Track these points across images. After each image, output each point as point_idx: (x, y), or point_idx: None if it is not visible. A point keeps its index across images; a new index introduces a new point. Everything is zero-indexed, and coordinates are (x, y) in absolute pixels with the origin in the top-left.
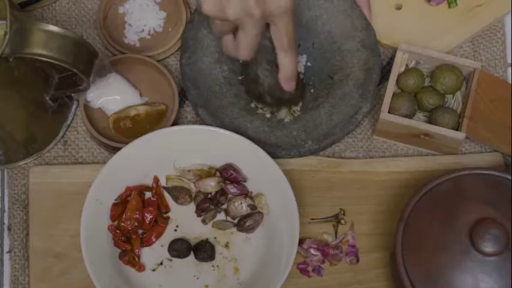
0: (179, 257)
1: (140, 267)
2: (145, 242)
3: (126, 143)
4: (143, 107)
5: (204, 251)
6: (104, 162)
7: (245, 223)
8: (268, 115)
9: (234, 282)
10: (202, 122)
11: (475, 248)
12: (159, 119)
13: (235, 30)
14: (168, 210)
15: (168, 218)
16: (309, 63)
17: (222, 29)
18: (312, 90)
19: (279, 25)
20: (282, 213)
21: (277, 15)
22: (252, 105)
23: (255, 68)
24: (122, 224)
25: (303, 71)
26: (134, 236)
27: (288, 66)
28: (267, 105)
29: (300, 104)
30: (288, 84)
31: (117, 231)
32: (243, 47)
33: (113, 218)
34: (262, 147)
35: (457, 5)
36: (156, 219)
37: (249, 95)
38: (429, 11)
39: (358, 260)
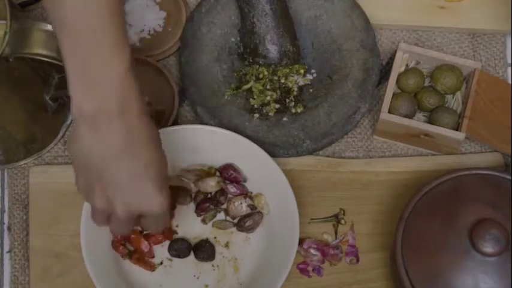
0: (179, 256)
1: (151, 267)
2: (154, 241)
3: None
4: None
5: (204, 250)
6: None
7: (245, 223)
8: (271, 114)
9: (234, 282)
10: (201, 120)
11: (475, 248)
12: (159, 119)
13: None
14: (174, 207)
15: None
16: (314, 74)
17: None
18: (311, 90)
19: (150, 221)
20: (282, 213)
21: (148, 216)
22: (252, 104)
23: (251, 17)
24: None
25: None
26: (134, 236)
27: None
28: (265, 62)
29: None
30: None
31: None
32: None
33: None
34: (260, 146)
35: None
36: None
37: (247, 55)
38: None
39: (358, 260)
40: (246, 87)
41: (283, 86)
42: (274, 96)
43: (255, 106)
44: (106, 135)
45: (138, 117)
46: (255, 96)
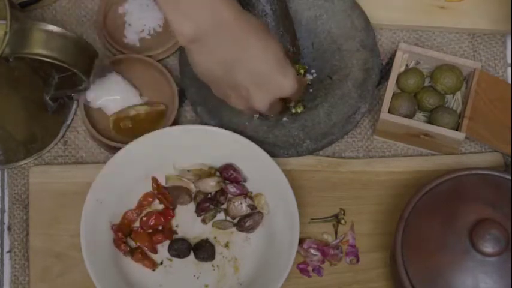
0: (179, 256)
1: (153, 264)
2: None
3: (126, 143)
4: (143, 107)
5: (204, 250)
6: (104, 162)
7: (245, 223)
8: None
9: (234, 282)
10: (201, 120)
11: (475, 248)
12: (159, 119)
13: None
14: (174, 206)
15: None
16: (314, 74)
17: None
18: (311, 90)
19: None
20: (282, 213)
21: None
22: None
23: (261, 5)
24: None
25: (309, 82)
26: (134, 235)
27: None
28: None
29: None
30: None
31: (119, 233)
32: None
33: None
34: (260, 146)
35: None
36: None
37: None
38: None
39: (358, 260)
40: None
41: None
42: None
43: None
44: (215, 46)
45: (235, 21)
46: None
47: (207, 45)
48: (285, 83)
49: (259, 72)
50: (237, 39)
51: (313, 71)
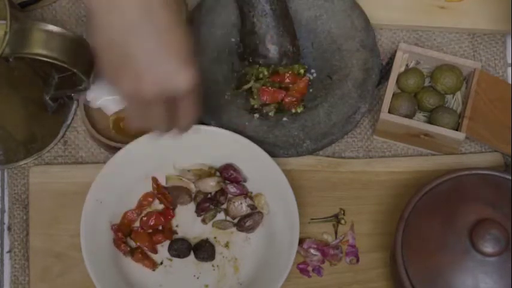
0: (179, 256)
1: (154, 264)
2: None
3: (126, 143)
4: None
5: (204, 250)
6: (104, 162)
7: (245, 223)
8: (271, 113)
9: (234, 282)
10: (201, 121)
11: (475, 248)
12: None
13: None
14: (174, 206)
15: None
16: (314, 74)
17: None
18: (311, 90)
19: (182, 104)
20: (282, 213)
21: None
22: (252, 104)
23: (251, 17)
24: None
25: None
26: (134, 235)
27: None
28: (265, 62)
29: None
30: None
31: (119, 233)
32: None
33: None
34: (260, 146)
35: None
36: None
37: (247, 55)
38: None
39: (358, 260)
40: (246, 87)
41: (283, 86)
42: None
43: (255, 106)
44: (122, 11)
45: (161, 9)
46: (255, 96)
47: (116, 4)
48: (180, 78)
49: (161, 52)
50: (154, 15)
51: (313, 70)
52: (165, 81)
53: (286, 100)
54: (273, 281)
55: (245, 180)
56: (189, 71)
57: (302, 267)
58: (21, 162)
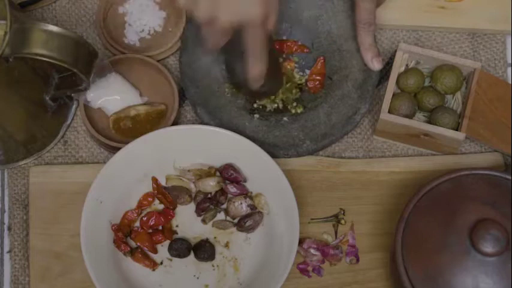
0: (179, 256)
1: (154, 264)
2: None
3: (126, 143)
4: (143, 107)
5: (204, 250)
6: (104, 162)
7: (245, 223)
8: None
9: (234, 282)
10: (201, 121)
11: (475, 248)
12: (159, 119)
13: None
14: (174, 206)
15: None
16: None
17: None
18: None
19: (250, 32)
20: (282, 213)
21: (247, 24)
22: (253, 104)
23: (232, 62)
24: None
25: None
26: (134, 235)
27: (253, 72)
28: (247, 96)
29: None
30: (254, 84)
31: (119, 233)
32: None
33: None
34: (260, 146)
35: None
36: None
37: (232, 84)
38: None
39: (358, 260)
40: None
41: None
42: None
43: (255, 106)
44: None
45: None
46: None
47: None
48: (255, 10)
49: None
50: None
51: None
52: (239, 12)
53: (310, 86)
54: (273, 281)
55: (245, 180)
56: (263, 6)
57: (302, 267)
58: (21, 162)
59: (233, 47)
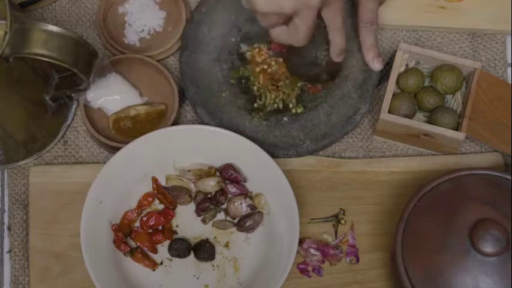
0: (179, 256)
1: (154, 264)
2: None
3: (126, 143)
4: (143, 107)
5: (204, 250)
6: (104, 162)
7: (245, 223)
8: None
9: (234, 282)
10: (201, 121)
11: (475, 248)
12: (159, 119)
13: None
14: (174, 206)
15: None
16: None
17: (274, 21)
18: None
19: (333, 7)
20: (282, 213)
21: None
22: (253, 104)
23: (313, 52)
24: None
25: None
26: (134, 235)
27: (340, 44)
28: (318, 83)
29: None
30: (339, 58)
31: (119, 233)
32: (302, 34)
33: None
34: (260, 146)
35: None
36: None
37: (300, 78)
38: None
39: (358, 260)
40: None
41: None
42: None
43: (255, 106)
44: None
45: None
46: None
47: None
48: None
49: None
50: None
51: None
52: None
53: (310, 86)
54: (273, 281)
55: (245, 180)
56: None
57: (302, 267)
58: (21, 162)
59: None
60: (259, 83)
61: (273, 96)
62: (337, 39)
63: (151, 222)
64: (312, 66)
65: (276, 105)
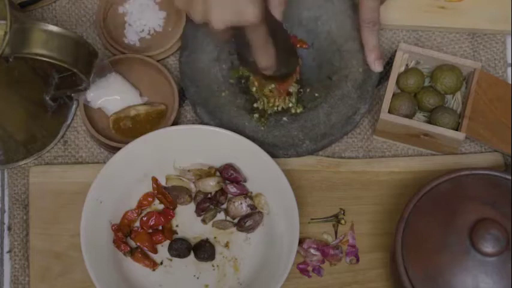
0: (179, 256)
1: (154, 264)
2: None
3: (126, 143)
4: (143, 107)
5: (204, 250)
6: (104, 162)
7: (245, 223)
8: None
9: (234, 282)
10: (201, 121)
11: (475, 248)
12: (159, 119)
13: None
14: (174, 206)
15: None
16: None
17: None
18: (308, 90)
19: (250, 30)
20: (282, 213)
21: (246, 23)
22: (253, 104)
23: (243, 51)
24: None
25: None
26: (134, 235)
27: (263, 65)
28: (282, 78)
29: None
30: (267, 73)
31: (119, 233)
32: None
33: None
34: (260, 146)
35: None
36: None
37: (246, 65)
38: None
39: (358, 260)
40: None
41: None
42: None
43: (255, 106)
44: None
45: None
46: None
47: None
48: (249, 10)
49: None
50: None
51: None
52: (232, 13)
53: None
54: (273, 281)
55: (245, 180)
56: (256, 5)
57: (302, 267)
58: (21, 162)
59: (241, 35)
60: (255, 87)
61: (272, 100)
62: (258, 60)
63: (151, 222)
64: (247, 52)
65: (275, 108)
